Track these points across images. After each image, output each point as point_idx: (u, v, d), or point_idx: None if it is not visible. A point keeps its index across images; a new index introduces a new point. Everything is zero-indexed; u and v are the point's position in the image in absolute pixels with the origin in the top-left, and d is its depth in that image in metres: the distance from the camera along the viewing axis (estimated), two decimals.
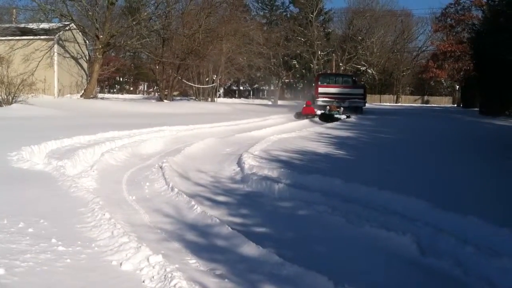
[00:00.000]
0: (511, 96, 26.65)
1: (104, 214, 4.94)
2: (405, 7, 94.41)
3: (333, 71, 51.21)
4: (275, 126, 18.25)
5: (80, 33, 32.33)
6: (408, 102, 65.61)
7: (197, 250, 4.37)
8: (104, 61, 35.38)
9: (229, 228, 4.80)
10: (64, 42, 30.91)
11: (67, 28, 31.07)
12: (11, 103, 19.87)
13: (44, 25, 30.02)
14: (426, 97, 68.79)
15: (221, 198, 6.57)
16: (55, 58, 29.71)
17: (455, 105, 56.43)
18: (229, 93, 65.14)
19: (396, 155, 10.68)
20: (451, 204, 5.47)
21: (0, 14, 35.45)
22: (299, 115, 23.38)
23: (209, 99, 41.55)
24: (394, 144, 12.98)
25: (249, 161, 8.62)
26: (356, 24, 63.53)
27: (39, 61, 28.63)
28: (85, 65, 34.02)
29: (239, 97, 64.81)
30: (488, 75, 27.41)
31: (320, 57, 56.98)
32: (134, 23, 30.97)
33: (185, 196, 6.19)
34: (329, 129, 16.80)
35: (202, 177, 8.06)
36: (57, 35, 30.00)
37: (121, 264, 3.76)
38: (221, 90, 58.23)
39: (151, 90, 65.83)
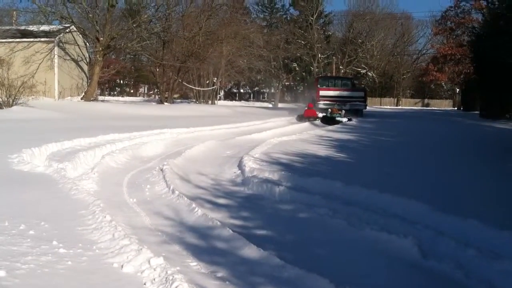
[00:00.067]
0: (511, 99, 26.66)
1: (105, 217, 4.94)
2: (405, 10, 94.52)
3: (334, 74, 51.19)
4: (275, 128, 18.26)
5: (80, 35, 32.33)
6: (408, 105, 65.63)
7: (198, 252, 4.37)
8: (105, 63, 35.40)
9: (230, 231, 4.81)
10: (64, 45, 30.92)
11: (67, 31, 31.08)
12: (12, 105, 19.88)
13: (45, 27, 30.01)
14: (426, 100, 68.80)
15: (221, 201, 6.57)
16: (56, 60, 29.71)
17: (456, 108, 56.44)
18: (229, 96, 65.18)
19: (397, 158, 10.68)
20: (452, 207, 5.47)
21: (1, 16, 35.54)
22: (301, 118, 23.42)
23: (210, 102, 41.55)
24: (395, 147, 12.99)
25: (249, 164, 8.62)
26: (356, 27, 63.50)
27: (40, 64, 28.65)
28: (85, 67, 34.03)
29: (240, 99, 64.85)
30: (488, 78, 27.42)
31: (320, 60, 56.95)
32: (134, 25, 30.97)
33: (186, 198, 6.19)
34: (330, 132, 16.80)
35: (203, 180, 8.06)
36: (57, 37, 30.00)
37: (122, 266, 3.76)
38: (222, 93, 58.24)
39: (151, 92, 65.91)
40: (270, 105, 49.55)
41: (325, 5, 63.73)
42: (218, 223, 5.10)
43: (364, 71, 63.75)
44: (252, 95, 70.54)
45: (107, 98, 42.19)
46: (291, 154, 10.49)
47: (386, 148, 12.79)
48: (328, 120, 22.18)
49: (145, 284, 3.49)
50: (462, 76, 48.73)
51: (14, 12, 33.42)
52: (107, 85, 58.81)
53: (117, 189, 7.13)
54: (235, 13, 42.77)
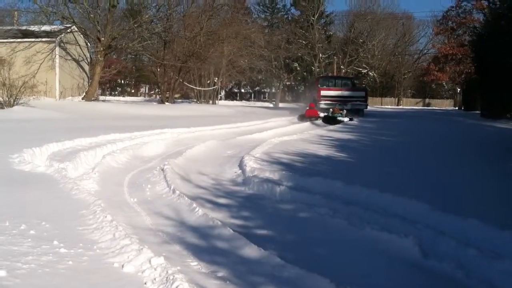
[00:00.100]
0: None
1: (105, 216, 4.94)
2: (406, 10, 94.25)
3: (335, 73, 51.19)
4: (276, 128, 18.26)
5: (81, 35, 32.35)
6: (409, 104, 65.57)
7: (198, 252, 4.37)
8: (106, 63, 35.40)
9: (231, 230, 4.81)
10: (65, 45, 30.93)
11: (68, 31, 31.09)
12: (13, 105, 19.90)
13: (46, 28, 30.01)
14: (427, 100, 68.74)
15: (222, 201, 6.58)
16: (57, 60, 29.73)
17: (457, 108, 56.41)
18: (230, 96, 65.22)
19: (397, 157, 10.68)
20: (452, 207, 5.46)
21: (2, 16, 35.54)
22: (303, 118, 23.44)
23: (211, 102, 41.57)
24: (396, 146, 12.98)
25: (250, 164, 8.62)
26: (357, 27, 63.53)
27: (41, 64, 28.66)
28: (86, 67, 34.05)
29: (241, 99, 64.84)
30: (489, 78, 27.42)
31: (322, 60, 56.99)
32: (135, 25, 31.00)
33: (186, 198, 6.20)
34: (331, 132, 16.80)
35: (204, 180, 8.06)
36: (58, 37, 30.01)
37: (122, 266, 3.76)
38: (223, 93, 58.29)
39: (152, 92, 65.92)
40: (271, 105, 49.53)
41: (326, 5, 64.18)
42: (219, 222, 5.11)
43: (365, 71, 63.77)
44: (253, 95, 70.55)
45: (108, 98, 42.16)
46: (292, 154, 10.49)
47: (387, 147, 12.78)
48: (330, 120, 22.21)
49: (145, 283, 3.49)
50: (463, 76, 48.72)
51: (16, 12, 33.47)
52: (108, 85, 58.80)
53: (118, 189, 7.14)
54: (236, 13, 42.79)
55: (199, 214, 5.47)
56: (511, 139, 16.40)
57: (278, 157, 9.93)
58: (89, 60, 34.28)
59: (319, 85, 29.56)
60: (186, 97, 48.33)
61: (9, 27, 31.71)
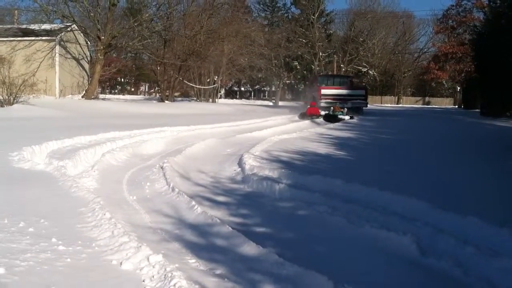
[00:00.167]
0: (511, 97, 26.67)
1: (104, 214, 4.94)
2: (407, 9, 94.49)
3: (335, 72, 51.22)
4: (276, 127, 18.26)
5: (81, 34, 32.39)
6: (409, 103, 65.59)
7: (197, 250, 4.37)
8: (106, 62, 35.40)
9: (230, 228, 4.81)
10: (65, 43, 30.97)
11: (68, 29, 31.12)
12: (13, 103, 19.90)
13: (46, 26, 30.05)
14: (427, 98, 68.77)
15: (221, 199, 6.58)
16: (57, 59, 29.76)
17: (456, 107, 56.40)
18: (230, 94, 65.23)
19: (397, 156, 10.68)
20: (452, 205, 5.46)
21: (2, 15, 35.48)
22: (304, 116, 23.52)
23: (210, 100, 41.58)
24: (395, 145, 12.98)
25: (250, 162, 8.62)
26: (358, 26, 63.54)
27: (41, 62, 28.68)
28: (86, 66, 34.07)
29: (240, 98, 64.88)
30: (489, 76, 27.42)
31: (322, 59, 57.01)
32: (135, 24, 31.01)
33: (185, 196, 6.19)
34: (330, 130, 16.80)
35: (203, 178, 8.06)
36: (58, 36, 30.05)
37: (121, 263, 3.77)
38: (222, 91, 58.28)
39: (152, 91, 65.95)
40: (271, 103, 49.53)
41: (326, 4, 64.23)
42: (218, 220, 5.10)
43: (365, 69, 63.79)
44: (253, 93, 70.55)
45: (108, 96, 42.14)
46: (291, 152, 10.49)
47: (387, 146, 12.78)
48: (331, 118, 22.29)
49: (144, 281, 3.50)
50: (463, 75, 48.76)
51: (16, 11, 33.43)
52: (108, 83, 58.82)
53: (117, 187, 7.14)
54: (237, 12, 42.81)
55: (198, 212, 5.47)
56: (511, 137, 16.39)
57: (278, 155, 9.93)
58: (89, 58, 34.31)
59: (318, 84, 29.57)
60: (186, 95, 48.37)
61: (9, 26, 31.72)
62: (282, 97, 56.29)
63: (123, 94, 58.73)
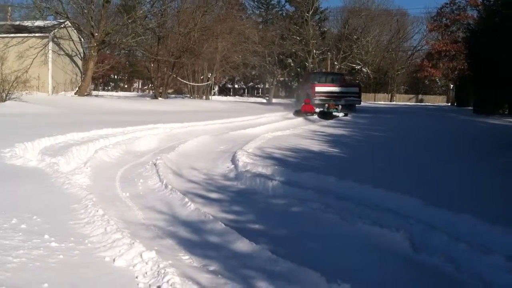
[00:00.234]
0: (505, 95, 26.76)
1: (97, 211, 4.93)
2: (401, 7, 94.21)
3: (329, 70, 51.26)
4: (269, 124, 18.24)
5: (75, 30, 32.23)
6: (402, 100, 65.73)
7: (190, 246, 4.37)
8: (99, 58, 35.30)
9: (223, 225, 4.81)
10: (59, 40, 30.83)
11: (62, 26, 30.98)
12: (5, 100, 19.80)
13: (39, 23, 29.93)
14: (420, 96, 68.98)
15: (214, 195, 6.57)
16: (50, 55, 29.63)
17: (449, 104, 56.52)
18: (224, 91, 65.15)
19: (390, 153, 10.70)
20: (444, 202, 5.48)
21: None
22: (299, 113, 23.55)
23: (204, 97, 41.53)
24: (388, 142, 13.01)
25: (243, 159, 8.61)
26: (352, 23, 63.64)
27: (34, 59, 28.54)
28: (79, 62, 33.94)
29: (234, 95, 64.82)
30: (482, 74, 27.48)
31: (316, 56, 57.06)
32: (129, 21, 30.90)
33: (178, 193, 6.19)
34: (323, 127, 16.81)
35: (196, 175, 8.05)
36: (52, 32, 29.91)
37: (114, 260, 3.76)
38: (216, 88, 58.23)
39: (145, 88, 65.74)
40: (265, 101, 49.50)
41: (320, 1, 64.23)
42: (211, 217, 5.10)
43: (359, 67, 63.88)
44: (246, 90, 70.53)
45: (101, 93, 42.08)
46: (285, 149, 10.50)
47: (380, 143, 12.80)
48: (325, 115, 22.36)
49: (137, 277, 3.49)
50: (456, 72, 48.88)
51: (9, 8, 33.30)
52: (101, 80, 58.61)
53: (110, 184, 7.12)
54: (231, 9, 42.73)
55: (191, 209, 5.46)
56: (503, 135, 16.45)
57: (271, 152, 9.93)
58: (82, 55, 34.18)
59: (311, 81, 29.58)
60: (179, 92, 48.22)
61: (2, 22, 31.59)
62: (275, 95, 56.20)
63: (117, 91, 58.51)
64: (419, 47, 68.47)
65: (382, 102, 59.24)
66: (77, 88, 30.81)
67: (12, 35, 29.05)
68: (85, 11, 30.01)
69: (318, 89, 27.19)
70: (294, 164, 8.56)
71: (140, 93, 56.97)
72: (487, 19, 28.55)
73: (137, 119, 16.10)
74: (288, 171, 7.54)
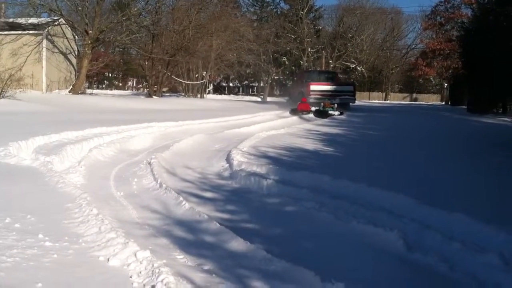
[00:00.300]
0: (498, 94, 26.82)
1: (91, 210, 4.92)
2: (395, 5, 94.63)
3: (323, 68, 51.29)
4: (264, 122, 18.24)
5: (69, 28, 32.12)
6: (396, 99, 65.79)
7: (185, 245, 4.37)
8: (93, 56, 35.17)
9: (217, 224, 4.81)
10: (53, 37, 30.73)
11: (56, 23, 30.87)
12: None
13: (33, 20, 29.80)
14: (414, 95, 69.01)
15: (209, 194, 6.57)
16: (44, 53, 29.54)
17: (443, 103, 56.63)
18: (218, 90, 65.06)
19: (385, 152, 10.72)
20: (438, 201, 5.50)
21: None
22: (295, 111, 23.58)
23: (199, 96, 41.47)
24: (383, 141, 13.03)
25: (237, 158, 8.62)
26: (346, 22, 63.68)
27: (28, 56, 28.45)
28: (74, 60, 33.83)
29: (229, 93, 64.71)
30: (476, 73, 27.53)
31: (310, 54, 57.04)
32: (124, 18, 30.82)
33: (173, 192, 6.18)
34: (318, 126, 16.82)
35: (191, 174, 8.05)
36: (46, 30, 29.81)
37: (108, 259, 3.76)
38: (211, 87, 58.17)
39: (140, 86, 65.56)
40: (259, 99, 49.47)
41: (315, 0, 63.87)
42: (206, 216, 5.10)
43: (353, 65, 63.94)
44: (241, 89, 70.46)
45: (95, 91, 41.89)
46: (279, 148, 10.50)
47: (375, 142, 12.82)
48: (321, 114, 22.40)
49: (131, 277, 3.49)
50: (450, 71, 48.94)
51: (3, 5, 33.15)
52: (95, 78, 58.41)
53: (104, 183, 7.11)
54: (226, 7, 42.63)
55: (185, 208, 5.46)
56: (497, 133, 16.51)
57: (266, 151, 9.93)
58: (76, 53, 34.07)
59: (304, 80, 29.61)
60: (174, 91, 48.13)
61: None
62: (270, 93, 56.16)
63: (111, 89, 58.35)
64: (413, 46, 68.66)
65: (377, 101, 59.27)
66: (71, 86, 30.72)
67: (5, 32, 28.95)
68: (79, 8, 29.90)
69: (313, 87, 27.22)
70: (288, 163, 8.57)
71: (134, 92, 56.84)
72: (481, 18, 28.60)
73: (132, 117, 16.07)
74: (283, 170, 7.55)
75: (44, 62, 29.58)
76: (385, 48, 68.46)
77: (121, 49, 52.30)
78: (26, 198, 5.35)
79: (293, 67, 58.46)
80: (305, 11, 56.71)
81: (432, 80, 67.69)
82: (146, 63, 36.66)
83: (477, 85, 28.53)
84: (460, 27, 40.91)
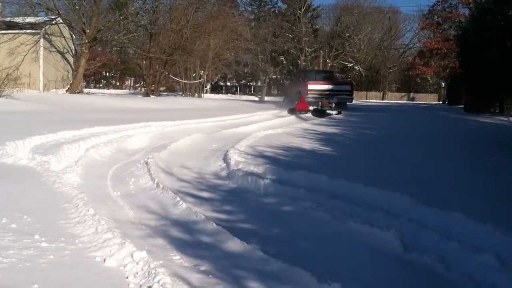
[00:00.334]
0: (496, 94, 26.85)
1: (88, 210, 4.92)
2: (393, 4, 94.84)
3: (321, 67, 51.32)
4: (261, 122, 18.23)
5: (66, 27, 32.08)
6: (394, 99, 65.85)
7: (181, 246, 4.37)
8: (91, 55, 35.12)
9: (214, 224, 4.80)
10: (50, 37, 30.68)
11: (53, 22, 30.84)
12: None
13: (30, 19, 29.75)
14: (412, 94, 69.10)
15: (206, 194, 6.56)
16: (41, 52, 29.49)
17: (441, 102, 56.69)
18: (216, 89, 65.07)
19: (382, 151, 10.72)
20: (436, 200, 5.50)
21: None
22: (293, 111, 23.62)
23: (196, 95, 41.45)
24: (380, 140, 13.03)
25: (235, 157, 8.61)
26: (344, 21, 63.73)
27: (25, 56, 28.40)
28: (71, 59, 33.80)
29: (226, 93, 64.78)
30: (473, 72, 27.55)
31: (308, 54, 57.03)
32: (121, 17, 30.77)
33: (170, 192, 6.18)
34: (315, 126, 16.82)
35: (188, 173, 8.04)
36: (43, 29, 29.76)
37: (104, 260, 3.75)
38: (208, 86, 58.14)
39: (137, 85, 65.53)
40: (257, 99, 49.49)
41: None
42: (202, 216, 5.10)
43: (351, 64, 63.99)
44: (239, 88, 70.47)
45: (92, 90, 41.83)
46: (277, 148, 10.50)
47: (372, 141, 12.83)
48: (319, 113, 22.45)
49: (127, 277, 3.49)
50: (447, 70, 48.97)
51: (0, 4, 33.07)
52: (92, 77, 58.39)
53: (101, 182, 7.10)
54: (223, 6, 42.68)
55: (182, 208, 5.46)
56: (494, 133, 16.53)
57: (263, 151, 9.93)
58: (74, 52, 34.03)
59: (301, 79, 29.63)
60: (171, 90, 48.08)
61: None
62: (268, 92, 56.20)
63: (108, 88, 58.37)
64: (411, 45, 68.73)
65: (374, 100, 59.29)
66: (68, 86, 30.68)
67: (3, 31, 28.91)
68: (77, 7, 29.86)
69: (311, 87, 27.24)
70: (285, 162, 8.57)
71: (132, 91, 56.84)
72: (479, 17, 28.62)
73: (129, 117, 16.06)
74: (280, 170, 7.54)
75: (41, 61, 29.53)
76: (382, 48, 68.51)
77: (118, 48, 52.28)
78: (22, 198, 5.35)
79: (290, 67, 58.46)
80: (302, 10, 56.71)
81: (430, 79, 67.77)
82: (144, 62, 36.63)
83: (474, 85, 28.54)
84: (458, 27, 40.95)
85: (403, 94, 69.53)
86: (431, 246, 4.42)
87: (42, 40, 29.50)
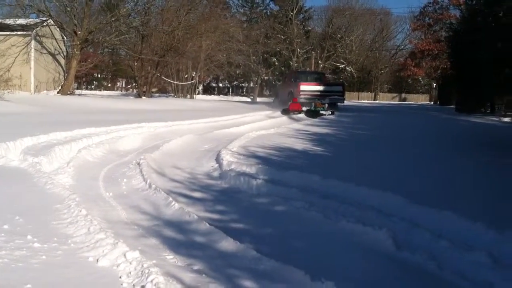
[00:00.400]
0: (486, 94, 27.01)
1: (80, 211, 4.91)
2: (384, 6, 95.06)
3: (313, 69, 51.40)
4: (253, 123, 18.24)
5: (58, 29, 31.95)
6: (386, 99, 66.05)
7: (174, 246, 4.37)
8: (82, 57, 34.98)
9: (207, 224, 4.81)
10: (41, 38, 30.53)
11: (44, 24, 30.67)
12: None
13: (21, 21, 29.56)
14: (403, 95, 69.30)
15: (198, 195, 6.56)
16: (32, 54, 29.32)
17: (432, 103, 56.92)
18: (208, 90, 65.01)
19: (374, 151, 10.75)
20: (427, 200, 5.52)
21: None
22: (287, 111, 23.68)
23: (188, 96, 41.38)
24: (372, 140, 13.07)
25: (227, 158, 8.62)
26: (336, 22, 63.82)
27: (16, 57, 28.23)
28: (62, 61, 33.65)
29: (218, 94, 64.68)
30: (464, 73, 27.71)
31: (300, 55, 57.11)
32: (113, 19, 30.66)
33: (162, 192, 6.18)
34: (307, 126, 16.84)
35: (180, 174, 8.04)
36: (34, 31, 29.60)
37: (97, 260, 3.75)
38: (200, 87, 58.08)
39: (129, 86, 65.34)
40: (249, 100, 49.47)
41: (305, 0, 64.11)
42: (195, 216, 5.10)
43: (342, 66, 64.11)
44: (231, 89, 70.46)
45: (84, 92, 41.75)
46: (269, 148, 10.51)
47: (364, 141, 12.87)
48: (312, 114, 22.51)
49: (120, 277, 3.49)
50: (439, 71, 49.25)
51: None
52: (84, 79, 58.24)
53: (93, 183, 7.08)
54: (215, 8, 42.63)
55: (175, 208, 5.46)
56: (485, 133, 16.61)
57: (255, 151, 9.94)
58: (65, 53, 33.88)
59: (293, 80, 29.70)
60: (163, 91, 47.95)
61: None
62: (260, 94, 56.16)
63: (100, 90, 58.13)
64: (402, 46, 68.94)
65: (366, 101, 59.43)
66: (59, 87, 30.54)
67: None
68: (68, 9, 29.73)
69: (303, 87, 27.31)
70: (278, 162, 8.58)
71: (123, 92, 56.62)
72: (470, 19, 28.80)
73: (121, 118, 16.00)
74: (272, 170, 7.56)
75: (32, 63, 29.38)
76: (374, 49, 68.72)
77: (110, 50, 52.02)
78: (14, 199, 5.33)
79: (283, 68, 58.45)
80: (294, 12, 56.79)
81: (421, 80, 68.04)
82: (136, 63, 36.55)
83: (465, 85, 28.69)
84: (449, 28, 41.18)
85: (394, 94, 69.73)
86: (423, 244, 4.45)
87: (33, 42, 29.35)
